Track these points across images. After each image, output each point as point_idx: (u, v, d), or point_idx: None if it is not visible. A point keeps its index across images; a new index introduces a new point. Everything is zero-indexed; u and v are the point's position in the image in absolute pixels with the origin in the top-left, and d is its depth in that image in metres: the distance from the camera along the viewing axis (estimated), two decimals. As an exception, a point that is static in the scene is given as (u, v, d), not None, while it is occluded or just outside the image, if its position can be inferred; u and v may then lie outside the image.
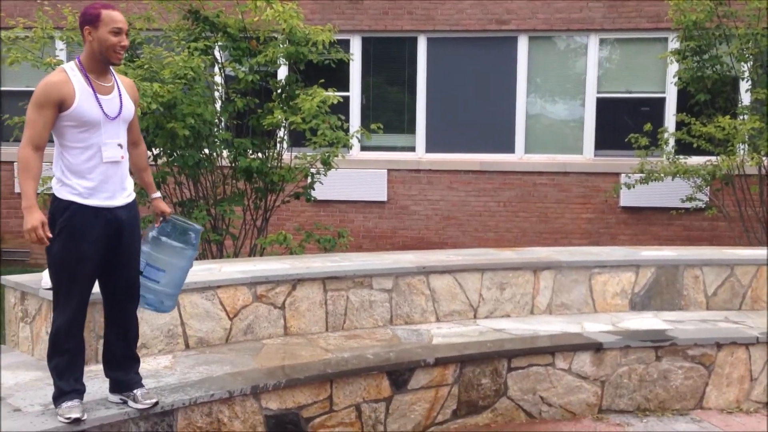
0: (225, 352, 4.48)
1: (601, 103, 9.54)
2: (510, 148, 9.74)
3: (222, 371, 4.09)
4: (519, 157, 9.70)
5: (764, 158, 7.75)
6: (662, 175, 8.10)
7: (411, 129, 9.92)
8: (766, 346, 5.11)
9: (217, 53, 7.16)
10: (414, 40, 9.79)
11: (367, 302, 5.21)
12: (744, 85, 8.36)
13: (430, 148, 9.85)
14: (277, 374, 4.06)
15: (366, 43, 9.87)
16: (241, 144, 6.99)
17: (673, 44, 8.79)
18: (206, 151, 6.92)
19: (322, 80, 7.05)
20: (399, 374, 4.39)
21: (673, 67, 8.62)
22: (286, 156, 7.37)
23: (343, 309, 5.13)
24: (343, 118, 7.11)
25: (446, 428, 4.55)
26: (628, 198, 9.18)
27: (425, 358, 4.49)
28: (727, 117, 7.57)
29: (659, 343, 5.02)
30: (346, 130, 7.17)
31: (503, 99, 9.69)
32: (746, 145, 7.82)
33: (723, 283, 5.91)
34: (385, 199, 9.75)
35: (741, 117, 7.96)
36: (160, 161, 6.75)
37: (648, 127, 8.24)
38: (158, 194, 3.68)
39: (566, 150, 9.73)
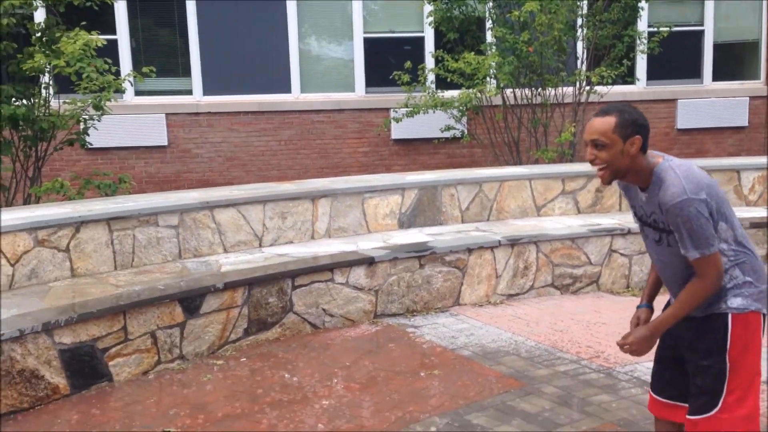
0: (10, 297, 4.49)
1: (368, 42, 10.15)
2: (286, 88, 10.08)
3: (9, 314, 4.13)
4: (296, 97, 10.08)
5: (505, 90, 8.82)
6: (424, 108, 8.92)
7: (186, 72, 9.87)
8: (510, 248, 6.07)
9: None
10: (181, -20, 9.69)
11: (154, 239, 5.40)
12: (488, 24, 9.36)
13: (207, 91, 9.90)
14: (68, 310, 4.19)
15: (131, -17, 9.60)
16: (1, 91, 6.66)
17: (426, -13, 9.57)
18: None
19: (84, 22, 6.87)
20: (191, 300, 4.69)
21: (428, 8, 9.41)
22: (54, 102, 7.13)
23: (131, 247, 5.28)
24: (110, 61, 7.02)
25: (239, 345, 4.95)
26: (398, 131, 9.97)
27: (215, 284, 4.82)
28: (473, 53, 8.49)
29: (422, 253, 5.77)
30: (116, 74, 7.08)
31: (276, 40, 9.96)
32: (492, 78, 8.84)
33: (474, 199, 6.83)
34: (165, 143, 9.70)
35: (487, 53, 8.94)
36: None
37: (408, 64, 8.98)
38: None
39: (340, 88, 10.27)
